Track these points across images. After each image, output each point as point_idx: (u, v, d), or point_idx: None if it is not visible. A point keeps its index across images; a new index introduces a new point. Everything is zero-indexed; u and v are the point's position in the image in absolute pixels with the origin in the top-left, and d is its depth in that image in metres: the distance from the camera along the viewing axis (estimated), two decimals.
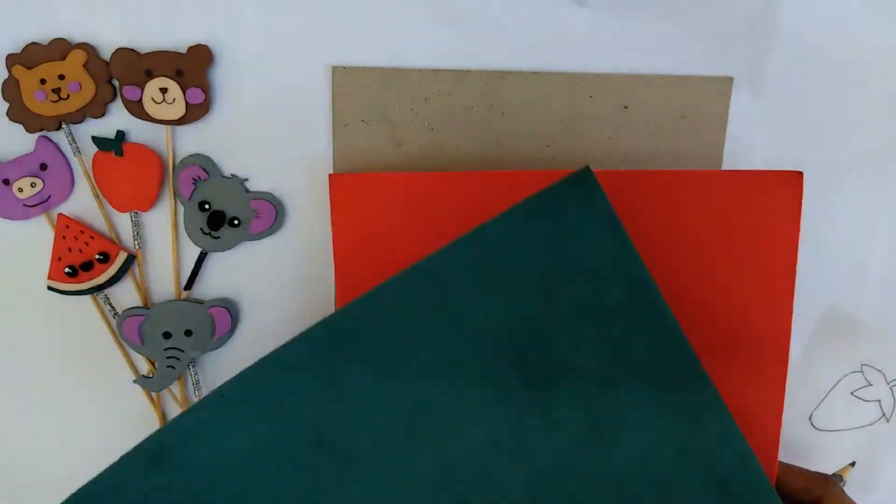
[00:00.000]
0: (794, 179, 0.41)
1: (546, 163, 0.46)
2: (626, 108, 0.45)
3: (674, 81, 0.44)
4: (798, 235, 0.42)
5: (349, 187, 0.45)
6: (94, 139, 0.47)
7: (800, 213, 0.41)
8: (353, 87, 0.45)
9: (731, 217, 0.42)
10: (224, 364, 0.49)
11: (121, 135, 0.47)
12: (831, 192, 0.46)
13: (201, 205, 0.47)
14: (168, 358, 0.48)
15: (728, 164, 0.45)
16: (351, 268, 0.45)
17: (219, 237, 0.47)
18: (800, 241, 0.45)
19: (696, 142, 0.45)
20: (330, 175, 0.45)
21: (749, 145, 0.45)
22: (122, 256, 0.48)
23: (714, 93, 0.45)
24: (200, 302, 0.48)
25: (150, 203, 0.47)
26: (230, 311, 0.48)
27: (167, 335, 0.48)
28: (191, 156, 0.47)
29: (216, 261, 0.48)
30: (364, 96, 0.45)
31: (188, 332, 0.48)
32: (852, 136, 0.45)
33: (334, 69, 0.45)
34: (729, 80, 0.44)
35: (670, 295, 0.39)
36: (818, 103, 0.45)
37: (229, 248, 0.48)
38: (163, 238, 0.48)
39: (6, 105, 0.46)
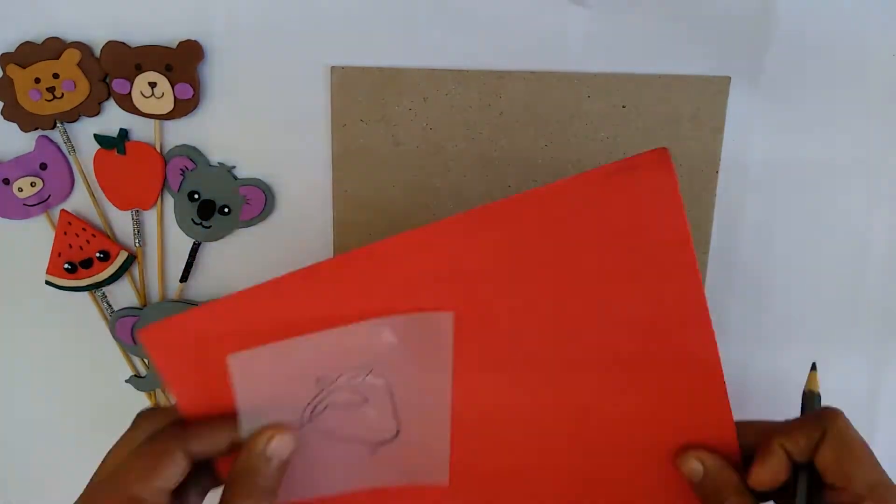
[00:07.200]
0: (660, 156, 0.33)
1: (544, 162, 0.46)
2: (623, 107, 0.45)
3: (672, 81, 0.44)
4: (685, 219, 0.34)
5: (161, 336, 0.36)
6: (97, 137, 0.46)
7: (678, 194, 0.34)
8: (351, 86, 0.45)
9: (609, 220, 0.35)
10: None
11: (123, 133, 0.47)
12: (829, 191, 0.46)
13: (190, 195, 0.47)
14: None
15: (725, 163, 0.45)
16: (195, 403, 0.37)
17: (210, 226, 0.48)
18: (798, 242, 0.46)
19: (693, 141, 0.45)
20: (138, 331, 0.37)
21: (747, 145, 0.45)
22: (122, 256, 0.48)
23: (712, 92, 0.45)
24: (194, 303, 0.48)
25: (152, 201, 0.47)
26: None
27: None
28: (177, 146, 0.47)
29: (211, 251, 0.49)
30: (363, 96, 0.45)
31: None
32: (850, 135, 0.45)
33: (333, 69, 0.45)
34: (727, 80, 0.44)
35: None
36: (816, 102, 0.45)
37: (222, 237, 0.48)
38: (162, 235, 0.48)
39: (1, 104, 0.46)
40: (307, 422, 0.38)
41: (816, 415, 0.37)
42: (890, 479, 0.35)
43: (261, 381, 0.36)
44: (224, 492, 0.35)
